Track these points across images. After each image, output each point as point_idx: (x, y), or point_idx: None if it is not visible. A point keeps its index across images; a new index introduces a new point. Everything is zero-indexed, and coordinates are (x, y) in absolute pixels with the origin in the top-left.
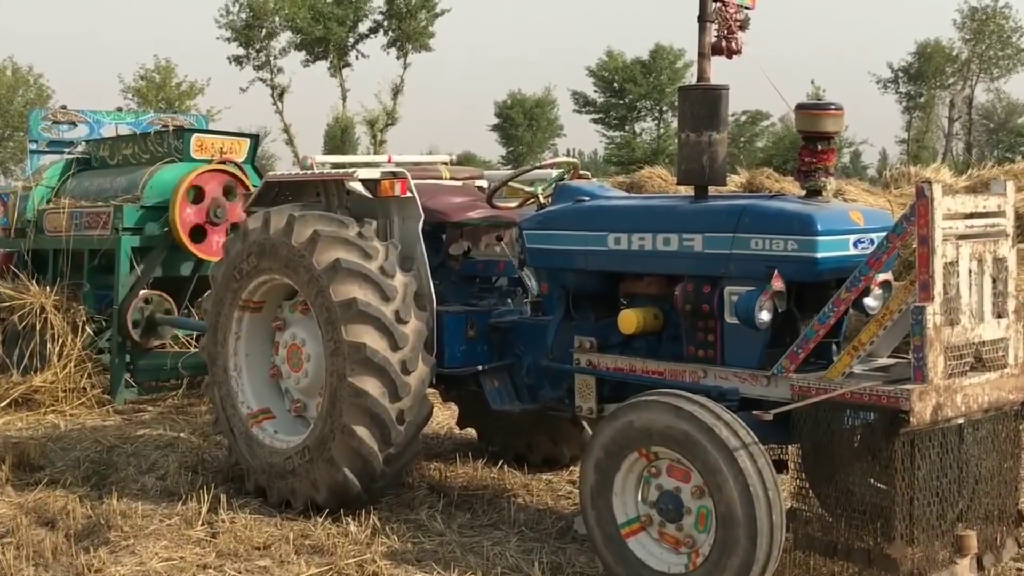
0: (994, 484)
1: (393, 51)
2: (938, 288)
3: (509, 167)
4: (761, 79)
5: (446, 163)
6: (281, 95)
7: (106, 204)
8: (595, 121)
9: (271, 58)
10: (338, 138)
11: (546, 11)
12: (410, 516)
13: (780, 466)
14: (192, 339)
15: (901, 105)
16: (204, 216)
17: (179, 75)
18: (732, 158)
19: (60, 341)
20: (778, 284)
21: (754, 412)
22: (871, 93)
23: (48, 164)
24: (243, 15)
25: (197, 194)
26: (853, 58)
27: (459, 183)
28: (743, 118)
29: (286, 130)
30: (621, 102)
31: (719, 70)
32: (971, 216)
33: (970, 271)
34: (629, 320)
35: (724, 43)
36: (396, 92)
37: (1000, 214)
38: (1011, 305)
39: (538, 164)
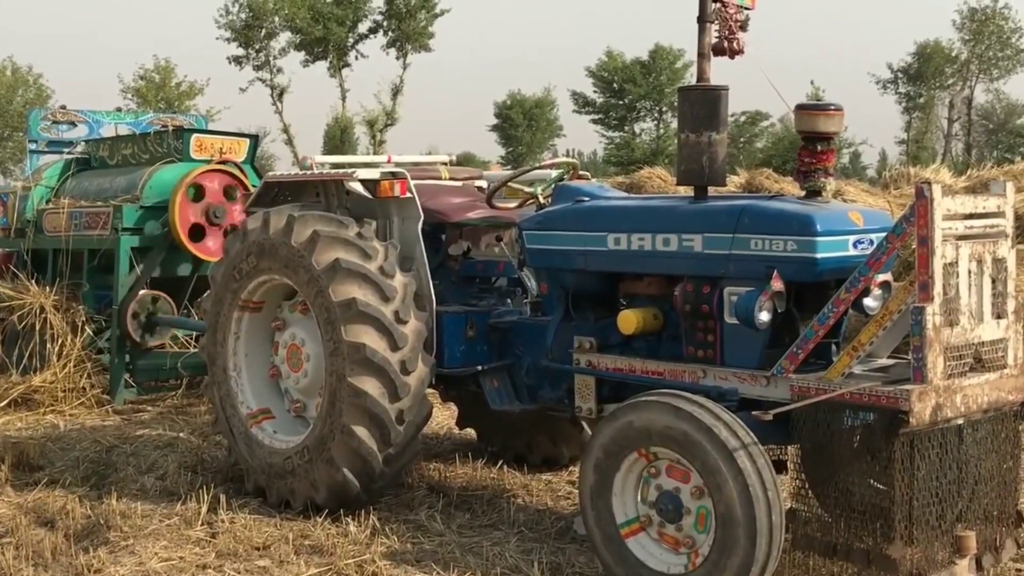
0: (993, 485)
1: (393, 51)
2: (937, 289)
3: (508, 167)
4: (761, 79)
5: (445, 163)
6: (280, 95)
7: (105, 204)
8: (594, 121)
9: (270, 58)
10: (337, 138)
11: (546, 11)
12: (409, 516)
13: (780, 466)
14: (191, 339)
15: (900, 106)
16: (203, 216)
17: (179, 75)
18: (731, 158)
19: (59, 341)
20: (777, 284)
21: (753, 412)
22: (870, 94)
23: (48, 164)
24: (243, 15)
25: (197, 192)
26: (853, 59)
27: (458, 183)
28: (743, 118)
29: (285, 130)
30: (621, 102)
31: (718, 70)
32: (970, 217)
33: (969, 272)
34: (629, 320)
35: (726, 43)
36: (396, 92)
37: (999, 215)
38: (1010, 306)
39: (538, 164)
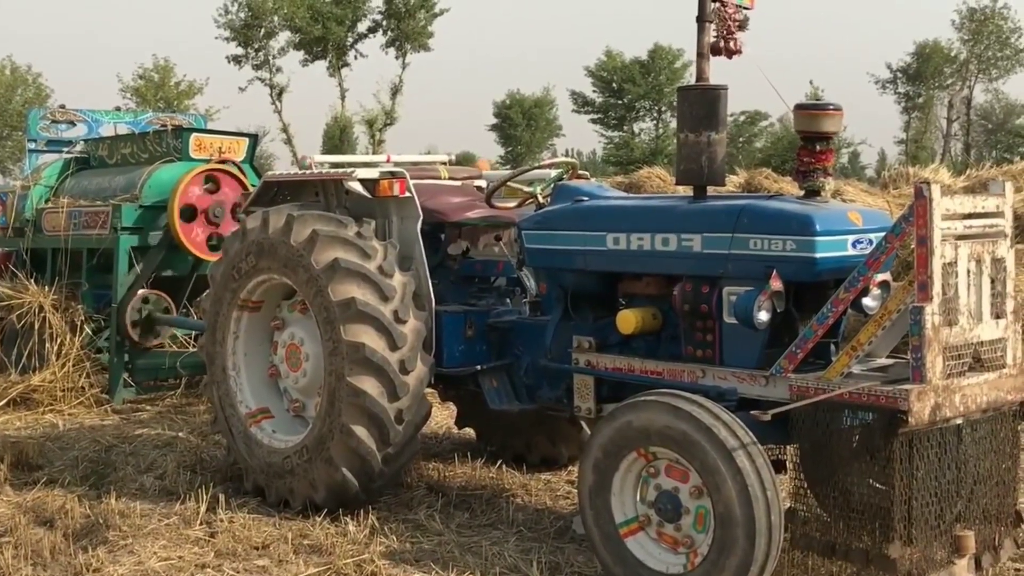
0: (992, 484)
1: (392, 51)
2: (936, 288)
3: (507, 167)
4: (760, 79)
5: (445, 163)
6: (280, 95)
7: (105, 203)
8: (594, 121)
9: (270, 57)
10: (337, 138)
11: (545, 11)
12: (408, 516)
13: (779, 466)
14: (191, 338)
15: (900, 105)
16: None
17: (178, 74)
18: (731, 158)
19: (58, 340)
20: (776, 284)
21: (752, 412)
22: (870, 93)
23: (47, 163)
24: (242, 14)
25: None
26: (852, 58)
27: (458, 183)
28: (742, 118)
29: (285, 130)
30: (620, 102)
31: (718, 70)
32: (969, 216)
33: (968, 271)
34: (628, 320)
35: (723, 43)
36: (395, 92)
37: (998, 214)
38: (1009, 305)
39: (537, 164)
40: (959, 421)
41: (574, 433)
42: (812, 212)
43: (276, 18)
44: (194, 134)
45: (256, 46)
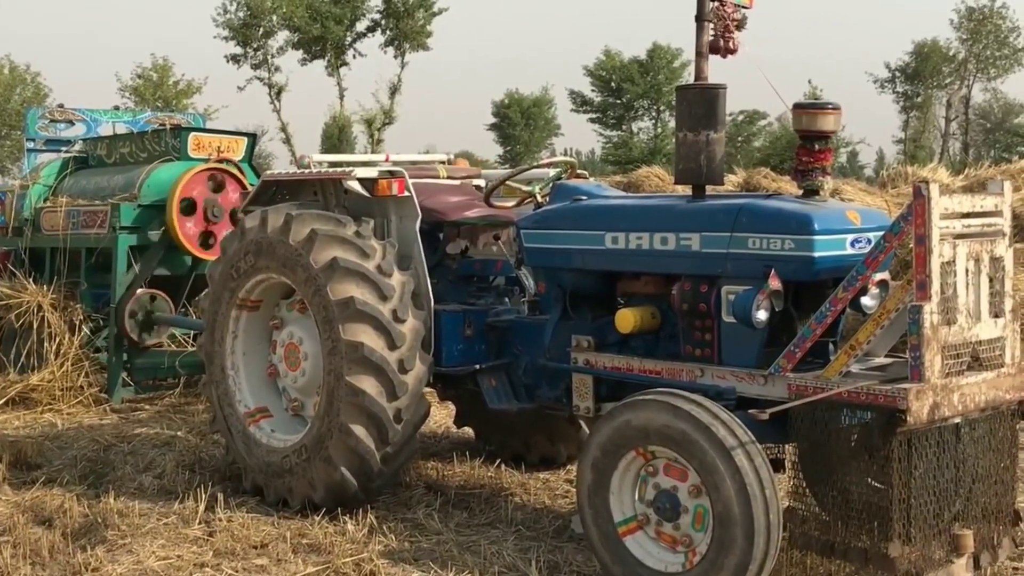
0: (991, 483)
1: (391, 50)
2: (935, 287)
3: (506, 166)
4: (759, 78)
5: (443, 162)
6: (279, 94)
7: (103, 203)
8: (592, 120)
9: (268, 57)
10: (335, 137)
11: (544, 11)
12: (407, 515)
13: (777, 465)
14: (189, 338)
15: (898, 105)
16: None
17: (176, 74)
18: (729, 157)
19: (57, 340)
20: (775, 283)
21: (751, 411)
22: (868, 93)
23: (45, 163)
24: (240, 14)
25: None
26: (850, 58)
27: (457, 182)
28: (740, 117)
29: (283, 129)
30: (618, 101)
31: (716, 70)
32: (968, 216)
33: (967, 270)
34: (626, 319)
35: (720, 42)
36: (393, 91)
37: (997, 214)
38: (1008, 304)
39: (536, 163)
40: (958, 420)
41: (573, 432)
42: (811, 211)
43: (275, 17)
44: (193, 133)
45: (255, 45)
